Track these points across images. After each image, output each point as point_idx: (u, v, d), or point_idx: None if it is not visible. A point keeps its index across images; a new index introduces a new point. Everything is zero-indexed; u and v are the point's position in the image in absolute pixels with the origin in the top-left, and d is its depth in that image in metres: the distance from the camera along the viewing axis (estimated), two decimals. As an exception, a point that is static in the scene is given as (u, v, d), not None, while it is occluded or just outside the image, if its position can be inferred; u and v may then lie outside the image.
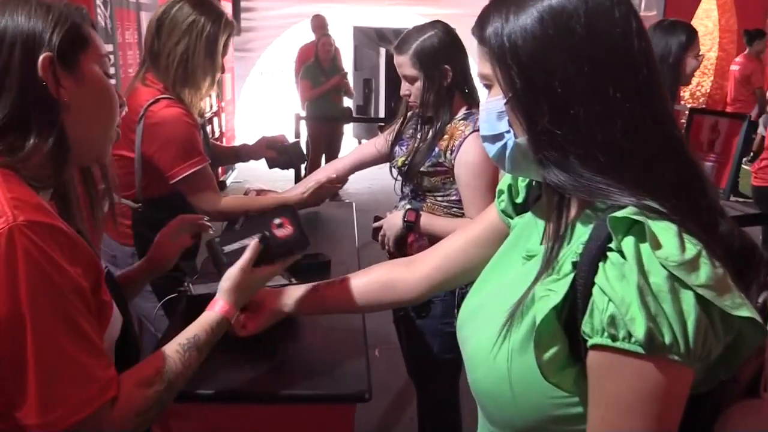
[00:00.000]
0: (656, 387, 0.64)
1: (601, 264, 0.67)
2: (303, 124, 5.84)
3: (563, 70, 0.71)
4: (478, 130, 1.76)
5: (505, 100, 0.76)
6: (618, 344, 0.64)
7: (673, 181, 0.71)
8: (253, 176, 6.89)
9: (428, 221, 1.85)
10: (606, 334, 0.65)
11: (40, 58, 0.84)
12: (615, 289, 0.64)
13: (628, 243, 0.65)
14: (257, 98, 8.94)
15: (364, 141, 8.90)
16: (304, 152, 2.30)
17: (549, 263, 0.75)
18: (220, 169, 6.49)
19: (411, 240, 1.92)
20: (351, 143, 8.25)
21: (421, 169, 1.86)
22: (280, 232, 1.15)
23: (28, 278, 0.76)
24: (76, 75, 0.89)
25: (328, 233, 2.01)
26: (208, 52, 1.80)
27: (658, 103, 0.73)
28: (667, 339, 0.62)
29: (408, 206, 1.93)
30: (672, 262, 0.62)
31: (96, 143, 0.95)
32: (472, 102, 1.88)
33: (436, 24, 1.84)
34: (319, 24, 6.20)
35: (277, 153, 2.25)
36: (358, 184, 6.86)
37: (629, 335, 0.63)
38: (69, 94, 0.87)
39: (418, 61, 1.80)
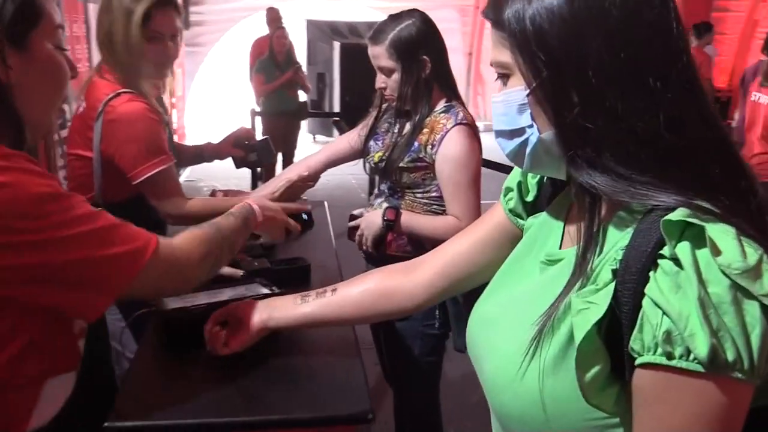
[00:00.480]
0: (715, 408, 0.58)
1: (651, 273, 0.60)
2: (258, 119, 5.71)
3: (597, 57, 0.64)
4: (460, 124, 1.72)
5: (527, 91, 0.69)
6: (674, 363, 0.58)
7: (721, 180, 0.64)
8: (206, 174, 6.69)
9: (409, 219, 1.78)
10: (660, 351, 0.58)
11: None
12: (670, 301, 0.57)
13: (683, 249, 0.58)
14: (208, 94, 8.69)
15: (318, 137, 8.86)
16: (273, 149, 2.18)
17: (581, 271, 0.69)
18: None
19: (390, 239, 1.84)
20: (305, 139, 8.11)
21: (400, 164, 1.78)
22: None
23: None
24: (24, 53, 0.87)
25: (304, 237, 1.90)
26: (125, 23, 1.62)
27: (700, 95, 0.67)
28: (730, 356, 0.56)
29: (386, 204, 1.85)
30: (735, 270, 0.56)
31: (42, 119, 0.94)
32: (451, 94, 1.82)
33: (413, 12, 1.77)
34: (274, 17, 6.04)
35: (245, 151, 2.13)
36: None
37: (688, 352, 0.57)
38: (16, 74, 0.85)
39: (395, 52, 1.72)
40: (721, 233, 0.58)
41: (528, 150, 0.72)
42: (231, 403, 1.02)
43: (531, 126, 0.70)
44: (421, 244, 1.84)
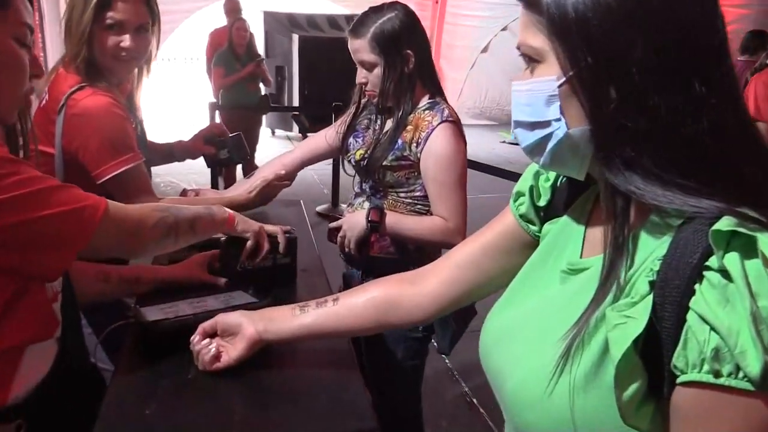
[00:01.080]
0: (763, 428, 0.55)
1: (697, 286, 0.57)
2: (218, 113, 5.55)
3: (641, 52, 0.61)
4: (446, 121, 1.67)
5: (560, 81, 0.65)
6: (722, 381, 0.55)
7: (762, 188, 0.61)
8: (164, 170, 6.49)
9: (394, 220, 1.72)
10: (707, 368, 0.55)
11: None
12: (719, 316, 0.54)
13: (732, 260, 0.55)
14: (162, 87, 8.43)
15: (278, 131, 8.71)
16: (246, 145, 2.09)
17: (609, 282, 0.65)
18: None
19: (372, 240, 1.78)
20: (264, 133, 7.95)
21: (383, 163, 1.72)
22: None
23: None
24: None
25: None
26: (82, 8, 1.52)
27: (740, 101, 0.65)
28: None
29: (369, 204, 1.79)
30: None
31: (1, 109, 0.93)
32: (435, 90, 1.76)
33: (395, 5, 1.71)
34: (233, 7, 5.88)
35: (217, 148, 2.03)
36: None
37: (737, 370, 0.54)
38: None
39: (377, 46, 1.66)
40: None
41: (550, 145, 0.68)
42: (228, 423, 0.95)
43: (558, 119, 0.66)
44: (404, 245, 1.79)
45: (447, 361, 2.98)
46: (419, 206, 1.77)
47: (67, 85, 1.52)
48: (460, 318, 1.76)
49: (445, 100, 1.77)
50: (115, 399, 1.00)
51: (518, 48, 0.70)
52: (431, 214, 1.74)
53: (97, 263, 1.30)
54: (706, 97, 0.61)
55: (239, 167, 5.66)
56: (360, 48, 1.69)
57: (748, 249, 0.55)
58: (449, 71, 9.56)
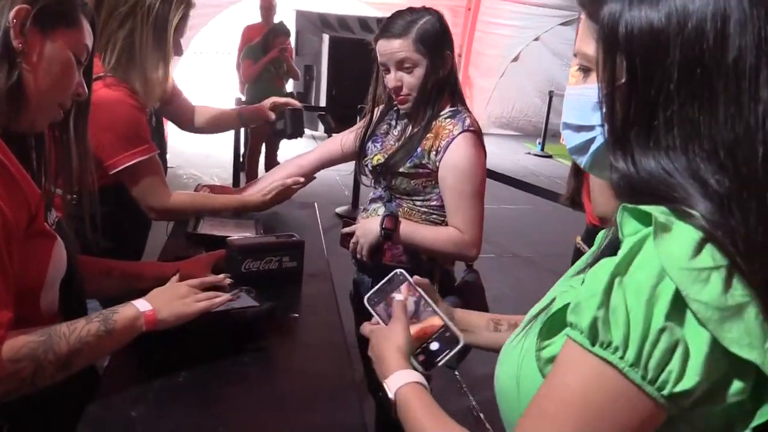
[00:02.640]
0: (591, 393, 0.56)
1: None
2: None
3: (678, 73, 0.60)
4: (467, 131, 1.62)
5: (605, 91, 0.65)
6: (568, 331, 0.59)
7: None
8: (186, 162, 6.53)
9: (409, 229, 1.67)
10: (568, 321, 0.59)
11: (16, 7, 0.93)
12: (590, 277, 0.59)
13: (630, 239, 0.57)
14: (191, 79, 8.48)
15: (305, 130, 8.73)
16: (303, 122, 2.08)
17: (585, 264, 0.69)
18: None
19: (385, 247, 1.74)
20: (290, 131, 7.95)
21: (401, 170, 1.68)
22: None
23: None
24: (46, 38, 0.97)
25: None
26: (156, 38, 1.52)
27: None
28: (615, 337, 0.55)
29: (384, 211, 1.75)
30: (676, 266, 0.53)
31: (39, 109, 0.98)
32: (457, 99, 1.72)
33: (429, 10, 1.68)
34: (267, 5, 5.88)
35: (276, 118, 2.01)
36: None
37: (579, 323, 0.57)
38: (31, 50, 0.95)
39: (422, 46, 1.61)
40: (684, 231, 0.55)
41: (592, 148, 0.71)
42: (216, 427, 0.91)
43: (602, 125, 0.67)
44: (416, 254, 1.74)
45: (457, 373, 2.92)
46: (434, 216, 1.72)
47: None
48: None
49: (467, 109, 1.72)
50: (103, 398, 0.97)
51: (575, 55, 0.72)
52: (446, 224, 1.69)
53: (101, 258, 1.28)
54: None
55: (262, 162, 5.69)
56: (402, 47, 1.62)
57: (662, 231, 0.55)
58: (478, 79, 9.49)
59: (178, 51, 1.66)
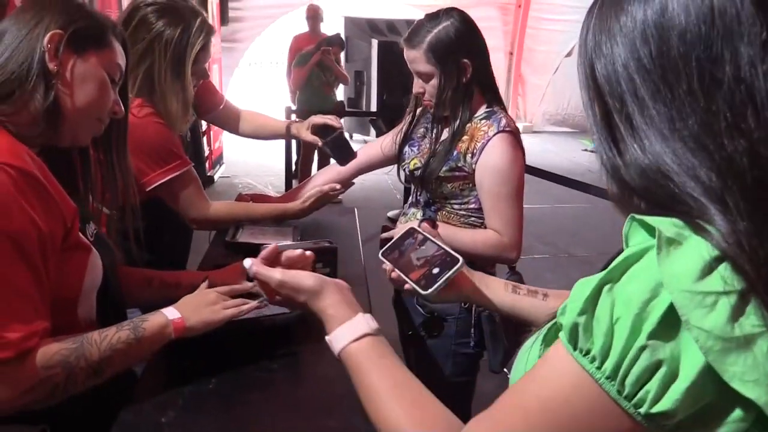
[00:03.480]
0: (567, 394, 0.54)
1: None
2: (294, 118, 5.65)
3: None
4: (503, 131, 1.59)
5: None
6: (560, 333, 0.56)
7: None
8: (242, 171, 6.69)
9: (447, 233, 1.63)
10: (558, 322, 0.57)
11: (50, 32, 0.98)
12: (584, 282, 0.55)
13: (630, 249, 0.53)
14: (245, 90, 8.70)
15: (355, 135, 8.79)
16: (349, 146, 1.96)
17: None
18: (207, 164, 6.27)
19: None
20: (342, 137, 8.04)
21: (438, 174, 1.66)
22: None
23: None
24: (79, 59, 1.02)
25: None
26: (175, 70, 1.54)
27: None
28: (595, 345, 0.52)
29: (419, 215, 1.74)
30: (679, 286, 0.48)
31: (77, 125, 1.03)
32: (492, 98, 1.69)
33: (451, 12, 1.64)
34: (313, 14, 5.97)
35: (321, 140, 1.95)
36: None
37: (564, 326, 0.55)
38: (66, 71, 1.00)
39: (433, 56, 1.59)
40: (695, 248, 0.49)
41: None
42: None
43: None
44: None
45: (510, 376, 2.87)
46: (473, 218, 1.70)
47: None
48: (512, 334, 1.68)
49: (503, 109, 1.69)
50: (135, 404, 1.00)
51: None
52: (485, 227, 1.66)
53: (142, 268, 1.33)
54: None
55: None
56: (416, 59, 1.63)
57: (668, 245, 0.50)
58: (530, 76, 9.33)
59: (204, 75, 1.70)
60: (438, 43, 1.59)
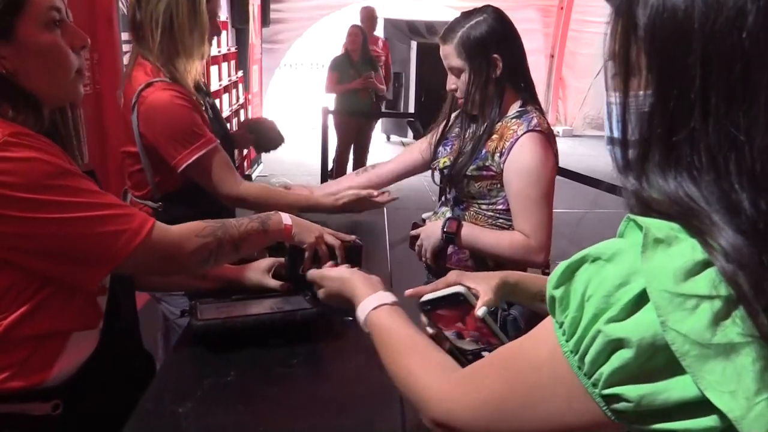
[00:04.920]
0: (545, 363, 0.54)
1: None
2: (331, 118, 5.66)
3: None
4: (533, 131, 1.56)
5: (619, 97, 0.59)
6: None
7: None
8: (281, 169, 6.75)
9: (471, 233, 1.64)
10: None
11: None
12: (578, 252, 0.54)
13: (625, 234, 0.52)
14: (285, 91, 8.79)
15: (393, 137, 8.79)
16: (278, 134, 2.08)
17: None
18: (245, 163, 6.36)
19: (450, 252, 1.71)
20: (379, 138, 8.05)
21: (466, 172, 1.65)
22: None
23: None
24: (14, 43, 0.90)
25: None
26: (190, 8, 1.60)
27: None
28: (567, 319, 0.52)
29: (448, 214, 1.72)
30: (660, 284, 0.45)
31: (56, 91, 0.98)
32: (527, 97, 1.66)
33: (486, 9, 1.63)
34: (368, 15, 6.00)
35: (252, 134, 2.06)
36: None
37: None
38: (12, 63, 0.90)
39: (463, 50, 1.59)
40: (684, 250, 0.47)
41: None
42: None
43: (611, 141, 0.63)
44: (483, 260, 1.69)
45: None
46: (501, 220, 1.67)
47: (137, 84, 1.60)
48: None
49: (538, 108, 1.66)
50: (154, 393, 1.01)
51: None
52: (512, 229, 1.64)
53: None
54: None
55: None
56: (448, 53, 1.63)
57: (665, 242, 0.48)
58: (572, 80, 9.19)
59: (218, 29, 1.75)
60: (468, 37, 1.59)
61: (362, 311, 0.89)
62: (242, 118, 6.36)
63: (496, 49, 1.59)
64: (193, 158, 1.59)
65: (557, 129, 8.62)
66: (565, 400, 0.53)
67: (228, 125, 2.07)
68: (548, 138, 1.60)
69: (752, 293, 0.43)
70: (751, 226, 0.44)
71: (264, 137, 2.06)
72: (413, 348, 0.78)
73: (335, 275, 1.04)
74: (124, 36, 2.98)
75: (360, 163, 5.98)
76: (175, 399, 0.99)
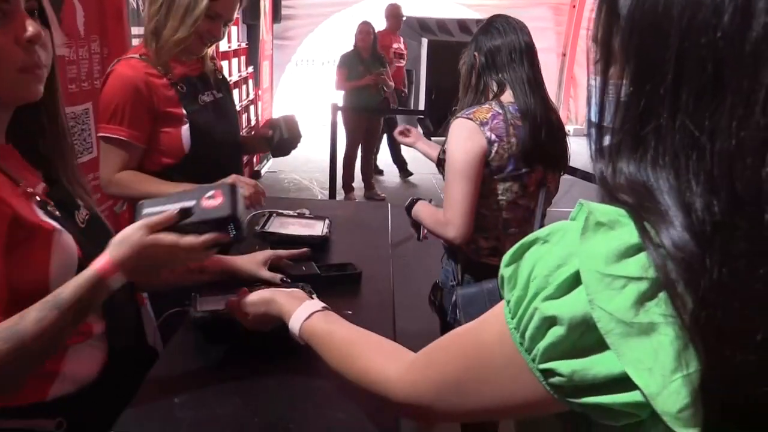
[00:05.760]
0: (495, 343, 0.56)
1: None
2: (339, 114, 5.66)
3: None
4: (462, 117, 1.67)
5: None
6: None
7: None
8: (289, 166, 6.77)
9: (417, 209, 1.84)
10: None
11: None
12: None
13: (579, 215, 0.52)
14: (296, 87, 8.80)
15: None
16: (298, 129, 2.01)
17: None
18: (255, 158, 6.37)
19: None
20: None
21: (439, 158, 1.82)
22: (209, 203, 1.02)
23: None
24: None
25: (359, 238, 1.81)
26: (186, 7, 1.61)
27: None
28: (512, 297, 0.54)
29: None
30: (592, 265, 0.47)
31: (8, 94, 0.90)
32: (500, 94, 1.72)
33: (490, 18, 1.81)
34: (393, 12, 6.01)
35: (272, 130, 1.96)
36: (395, 177, 6.67)
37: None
38: None
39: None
40: (623, 234, 0.48)
41: None
42: (248, 422, 0.93)
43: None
44: None
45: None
46: None
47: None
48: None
49: (492, 101, 1.70)
50: (152, 384, 1.02)
51: None
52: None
53: None
54: None
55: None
56: None
57: (595, 226, 0.50)
58: (583, 78, 9.13)
59: (215, 35, 1.71)
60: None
61: (295, 324, 0.90)
62: (252, 114, 6.38)
63: (476, 48, 1.75)
64: (100, 134, 1.63)
65: (568, 128, 8.58)
66: (514, 376, 0.54)
67: (240, 125, 2.02)
68: (474, 125, 1.64)
69: (683, 287, 0.44)
70: (700, 227, 0.44)
71: (284, 131, 1.99)
72: (361, 343, 0.79)
73: (256, 299, 1.02)
74: (134, 30, 3.00)
75: (368, 159, 5.98)
76: (172, 389, 1.00)
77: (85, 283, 0.89)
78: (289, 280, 1.35)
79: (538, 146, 1.65)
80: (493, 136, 1.62)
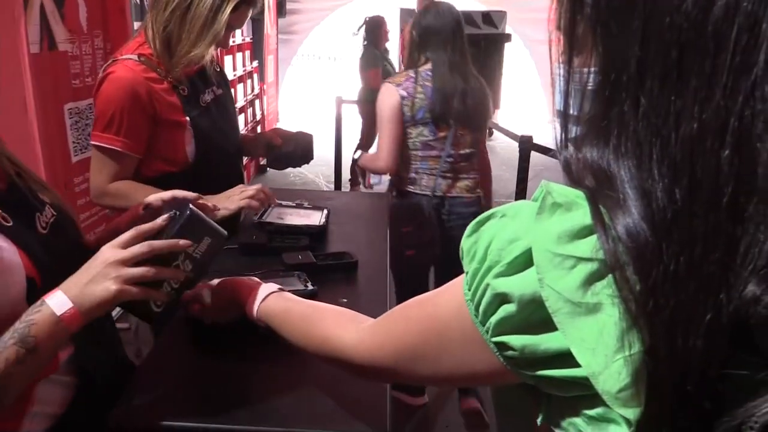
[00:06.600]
0: (452, 314, 0.57)
1: None
2: (344, 108, 5.64)
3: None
4: (387, 81, 2.31)
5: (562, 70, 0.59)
6: None
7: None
8: (293, 161, 6.77)
9: (363, 156, 2.42)
10: None
11: None
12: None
13: (539, 193, 0.52)
14: (301, 81, 8.82)
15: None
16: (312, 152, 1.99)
17: None
18: (260, 153, 6.36)
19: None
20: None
21: None
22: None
23: None
24: None
25: (357, 228, 1.82)
26: (215, 4, 1.51)
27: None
28: (470, 269, 0.54)
29: None
30: (543, 244, 0.47)
31: None
32: (422, 64, 2.25)
33: None
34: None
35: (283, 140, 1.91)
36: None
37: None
38: None
39: None
40: (578, 215, 0.47)
41: None
42: (240, 410, 0.94)
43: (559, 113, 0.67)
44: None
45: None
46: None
47: (119, 56, 1.56)
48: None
49: (410, 71, 2.25)
50: (143, 373, 1.04)
51: None
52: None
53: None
54: None
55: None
56: None
57: (551, 207, 0.50)
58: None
59: (224, 43, 1.66)
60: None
61: (252, 308, 0.92)
62: (258, 109, 6.38)
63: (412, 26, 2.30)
64: (94, 143, 1.53)
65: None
66: (470, 347, 0.55)
67: (241, 123, 1.97)
68: (392, 87, 2.22)
69: (632, 272, 0.43)
70: (659, 215, 0.43)
71: (297, 146, 1.94)
72: (319, 315, 0.81)
73: (220, 287, 1.05)
74: (137, 25, 3.02)
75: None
76: (164, 379, 1.02)
77: (46, 328, 0.79)
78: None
79: (447, 105, 2.16)
80: (405, 93, 2.20)
